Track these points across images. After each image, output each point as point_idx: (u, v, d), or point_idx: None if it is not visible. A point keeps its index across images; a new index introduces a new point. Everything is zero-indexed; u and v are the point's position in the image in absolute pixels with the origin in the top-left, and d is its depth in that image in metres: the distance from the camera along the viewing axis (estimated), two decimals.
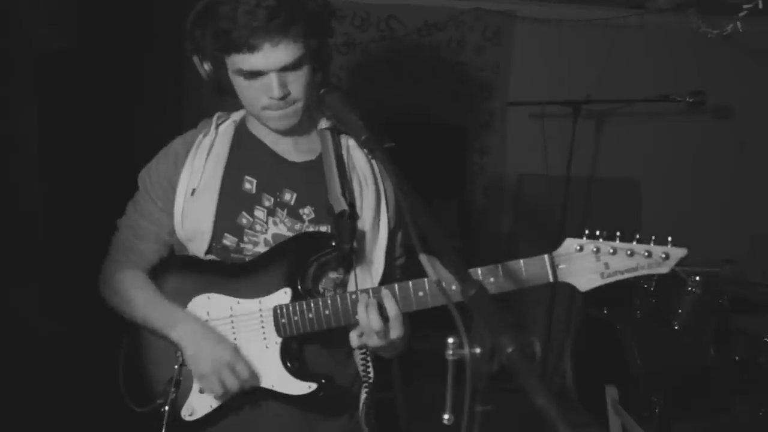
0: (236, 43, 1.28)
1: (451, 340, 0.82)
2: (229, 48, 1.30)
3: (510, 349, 0.73)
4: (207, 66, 1.39)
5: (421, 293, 1.30)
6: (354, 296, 1.33)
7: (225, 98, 1.43)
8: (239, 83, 1.36)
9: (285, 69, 1.31)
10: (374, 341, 1.33)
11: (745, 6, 1.98)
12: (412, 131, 3.70)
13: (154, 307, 1.43)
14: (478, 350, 0.80)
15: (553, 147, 3.62)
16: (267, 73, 1.31)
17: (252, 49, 1.28)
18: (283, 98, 1.34)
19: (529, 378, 0.70)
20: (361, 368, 1.49)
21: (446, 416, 0.82)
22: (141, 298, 1.45)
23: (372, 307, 1.30)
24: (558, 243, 1.29)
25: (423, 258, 0.97)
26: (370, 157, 1.49)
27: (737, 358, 3.02)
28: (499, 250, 4.07)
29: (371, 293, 1.32)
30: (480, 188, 4.17)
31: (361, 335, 1.33)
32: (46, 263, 2.67)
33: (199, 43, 1.36)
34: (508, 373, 0.73)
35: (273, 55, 1.28)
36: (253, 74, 1.32)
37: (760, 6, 1.94)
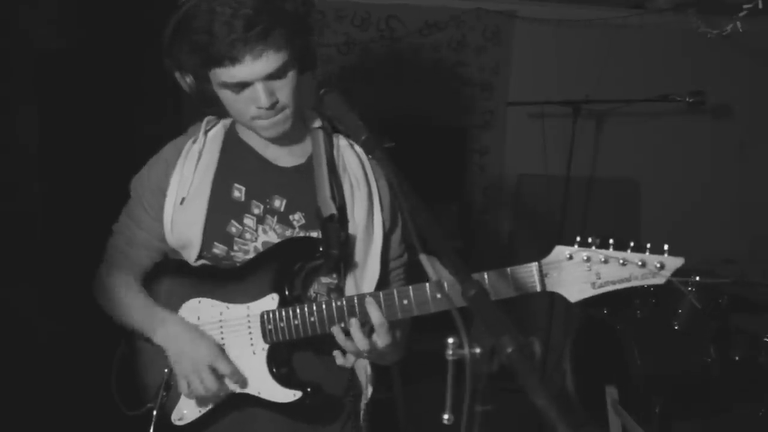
0: (216, 57, 1.24)
1: (451, 340, 0.81)
2: (209, 62, 1.27)
3: (510, 349, 0.73)
4: (189, 80, 1.35)
5: (405, 301, 1.26)
6: (339, 303, 1.30)
7: (213, 108, 1.40)
8: (226, 96, 1.33)
9: (270, 77, 1.28)
10: (361, 356, 1.31)
11: (745, 6, 1.98)
12: (411, 131, 3.69)
13: (140, 310, 1.43)
14: (478, 350, 0.79)
15: (553, 147, 3.63)
16: (252, 83, 1.28)
17: (234, 61, 1.24)
18: (271, 107, 1.31)
19: (529, 378, 0.70)
20: (353, 378, 1.49)
21: (446, 416, 0.82)
22: (128, 303, 1.45)
23: (355, 329, 1.27)
24: (557, 244, 1.24)
25: (423, 258, 0.97)
26: (361, 157, 1.47)
27: (737, 358, 3.01)
28: (499, 250, 4.07)
29: (356, 301, 1.29)
30: (480, 188, 4.17)
31: (345, 354, 1.32)
32: (45, 263, 2.66)
33: (178, 59, 1.32)
34: (508, 373, 0.73)
35: (256, 65, 1.25)
36: (239, 86, 1.29)
37: (760, 6, 1.93)
